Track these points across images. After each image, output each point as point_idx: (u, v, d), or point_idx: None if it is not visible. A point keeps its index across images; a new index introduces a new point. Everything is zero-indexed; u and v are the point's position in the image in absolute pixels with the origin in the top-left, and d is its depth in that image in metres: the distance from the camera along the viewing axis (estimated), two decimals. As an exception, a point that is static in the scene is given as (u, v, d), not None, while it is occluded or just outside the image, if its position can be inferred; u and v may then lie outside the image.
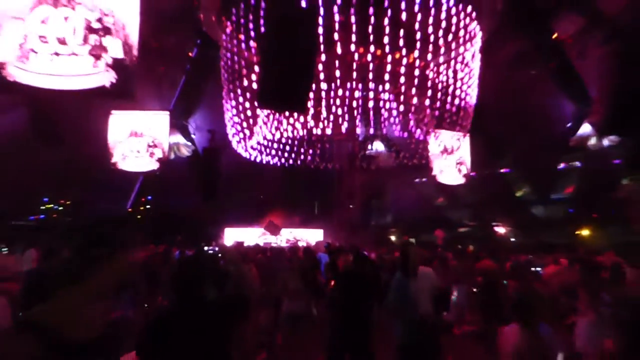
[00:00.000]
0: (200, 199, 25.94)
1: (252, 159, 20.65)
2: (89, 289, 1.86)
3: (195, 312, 3.28)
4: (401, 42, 15.95)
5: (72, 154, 22.21)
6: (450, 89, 17.58)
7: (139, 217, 27.50)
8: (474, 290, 10.43)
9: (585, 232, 24.66)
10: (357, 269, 7.48)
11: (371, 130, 18.91)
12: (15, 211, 25.07)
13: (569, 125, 23.80)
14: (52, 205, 28.05)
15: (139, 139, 21.13)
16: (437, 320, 6.99)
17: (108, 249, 1.93)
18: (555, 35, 21.45)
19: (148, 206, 28.41)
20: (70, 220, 26.92)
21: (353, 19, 15.57)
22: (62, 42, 9.77)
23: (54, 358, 1.79)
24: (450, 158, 22.28)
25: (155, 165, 21.20)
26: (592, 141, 22.90)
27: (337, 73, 16.68)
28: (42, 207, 27.72)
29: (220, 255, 9.28)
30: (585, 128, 23.05)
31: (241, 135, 18.86)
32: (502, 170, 27.13)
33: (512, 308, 4.24)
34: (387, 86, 16.95)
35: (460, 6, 16.72)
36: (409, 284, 6.30)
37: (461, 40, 17.15)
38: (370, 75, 16.74)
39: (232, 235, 26.25)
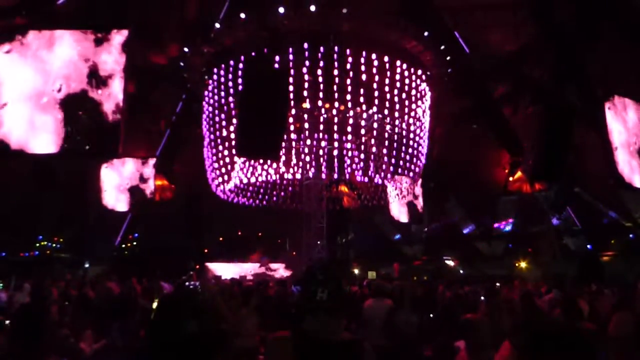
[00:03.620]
0: (184, 236, 25.43)
1: (230, 200, 20.40)
2: None
3: (174, 347, 3.12)
4: (361, 99, 16.29)
5: (66, 195, 21.73)
6: (404, 140, 17.86)
7: (126, 252, 26.76)
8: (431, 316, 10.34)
9: (522, 265, 24.95)
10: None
11: (335, 175, 18.97)
12: (11, 247, 24.15)
13: (506, 171, 24.38)
14: (46, 243, 27.11)
15: (127, 183, 20.79)
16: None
17: None
18: (492, 95, 22.18)
19: (135, 243, 27.69)
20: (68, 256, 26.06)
21: (320, 79, 15.85)
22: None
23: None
24: (404, 200, 22.49)
25: (141, 206, 20.82)
26: (526, 186, 23.45)
27: (306, 125, 16.81)
28: (36, 244, 26.76)
29: (200, 289, 8.97)
30: (520, 174, 23.63)
31: (220, 179, 18.68)
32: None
33: (459, 331, 4.17)
34: (350, 137, 17.14)
35: (412, 69, 17.22)
36: (402, 314, 6.27)
37: (413, 98, 17.58)
38: (335, 127, 16.93)
39: (212, 269, 25.65)
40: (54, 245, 27.12)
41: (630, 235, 22.46)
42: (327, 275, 2.52)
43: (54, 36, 10.39)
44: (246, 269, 23.72)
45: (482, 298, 9.72)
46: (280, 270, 23.38)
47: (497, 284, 13.69)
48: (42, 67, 10.13)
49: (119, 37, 10.54)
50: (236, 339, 7.61)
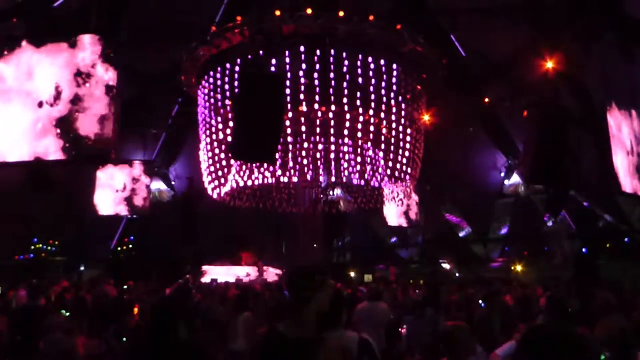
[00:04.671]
0: (180, 239, 25.40)
1: (226, 203, 20.38)
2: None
3: (166, 352, 3.15)
4: (358, 102, 16.32)
5: (62, 199, 21.67)
6: (401, 143, 17.90)
7: (121, 256, 26.68)
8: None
9: (518, 268, 24.99)
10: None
11: (332, 179, 18.98)
12: (5, 251, 24.02)
13: (502, 174, 24.48)
14: (41, 245, 26.98)
15: (124, 187, 20.78)
16: (391, 350, 6.89)
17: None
18: (487, 99, 22.27)
19: (131, 246, 27.61)
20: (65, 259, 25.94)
21: (316, 82, 15.88)
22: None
23: None
24: (400, 203, 22.53)
25: (138, 211, 20.79)
26: (521, 189, 23.57)
27: (303, 128, 16.83)
28: (31, 247, 26.62)
29: (194, 292, 8.97)
30: (516, 177, 23.76)
31: (216, 182, 18.67)
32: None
33: (440, 342, 4.18)
34: (346, 140, 17.15)
35: (408, 72, 17.28)
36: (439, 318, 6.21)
37: (409, 101, 17.63)
38: (332, 130, 16.95)
39: (208, 273, 25.60)
40: (49, 248, 26.99)
41: (626, 239, 22.53)
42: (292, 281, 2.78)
43: (31, 65, 10.35)
44: (242, 272, 23.72)
45: (480, 301, 9.74)
46: (275, 274, 23.39)
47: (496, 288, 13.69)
48: (30, 99, 10.11)
49: (87, 38, 10.50)
50: (230, 342, 7.65)
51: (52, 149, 9.93)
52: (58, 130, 9.87)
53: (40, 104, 10.14)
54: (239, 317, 7.77)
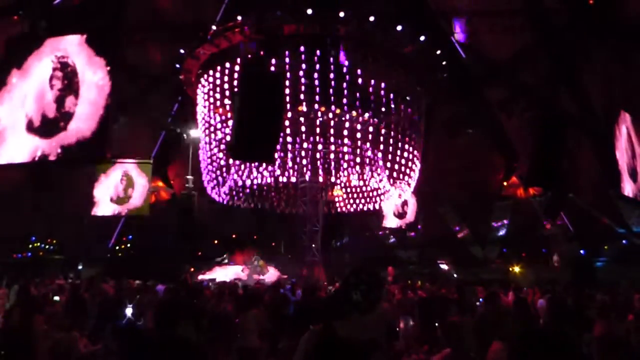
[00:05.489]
0: (178, 238, 25.37)
1: (225, 203, 20.38)
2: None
3: (166, 347, 3.16)
4: (357, 103, 16.35)
5: (61, 198, 21.69)
6: (399, 145, 17.92)
7: (120, 254, 26.67)
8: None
9: (516, 270, 25.01)
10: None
11: (332, 179, 19.00)
12: (3, 249, 24.01)
13: (501, 177, 24.50)
14: (39, 244, 26.97)
15: (123, 186, 20.76)
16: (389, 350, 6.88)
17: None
18: (487, 101, 22.30)
19: (129, 245, 27.59)
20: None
21: (316, 82, 15.90)
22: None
23: None
24: (398, 204, 22.57)
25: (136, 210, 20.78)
26: (520, 191, 23.59)
27: (302, 128, 16.85)
28: (29, 246, 26.61)
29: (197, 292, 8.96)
30: (514, 180, 23.77)
31: (215, 182, 18.68)
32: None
33: (443, 337, 4.23)
34: (346, 140, 17.17)
35: (408, 74, 17.31)
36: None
37: (409, 103, 17.66)
38: (331, 131, 16.96)
39: (207, 272, 25.57)
40: (47, 246, 26.98)
41: (624, 241, 22.58)
42: (361, 279, 2.52)
43: (29, 65, 10.36)
44: (240, 272, 23.66)
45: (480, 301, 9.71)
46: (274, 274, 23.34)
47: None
48: (26, 99, 10.12)
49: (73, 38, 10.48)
50: (242, 340, 7.67)
51: (48, 150, 9.90)
52: (54, 131, 9.84)
53: (36, 104, 10.12)
54: (249, 314, 7.79)
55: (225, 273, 22.20)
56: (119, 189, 20.76)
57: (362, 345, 2.31)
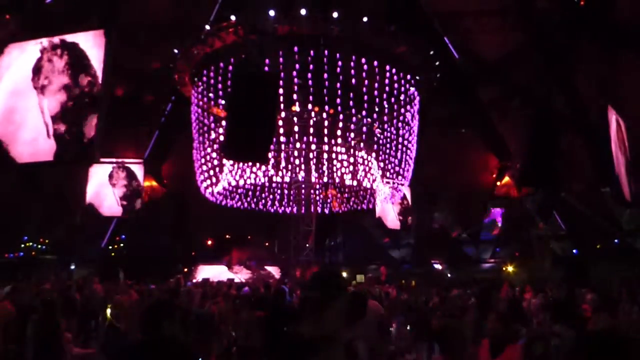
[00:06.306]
0: (171, 238, 25.32)
1: (218, 203, 20.34)
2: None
3: (155, 350, 3.16)
4: (351, 103, 16.36)
5: (53, 197, 21.57)
6: (393, 144, 17.95)
7: (112, 254, 26.53)
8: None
9: (509, 269, 25.13)
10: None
11: (325, 179, 19.00)
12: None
13: (494, 176, 24.59)
14: (31, 244, 26.77)
15: (115, 186, 20.70)
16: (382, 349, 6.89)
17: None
18: (480, 100, 22.39)
19: (122, 245, 27.47)
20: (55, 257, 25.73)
21: (310, 82, 15.90)
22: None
23: None
24: (392, 204, 22.61)
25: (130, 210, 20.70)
26: (513, 191, 23.68)
27: (296, 128, 16.85)
28: (22, 245, 26.42)
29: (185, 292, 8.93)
30: (507, 179, 23.88)
31: (208, 182, 18.63)
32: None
33: (435, 340, 4.25)
34: (339, 140, 17.18)
35: (401, 74, 17.32)
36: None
37: (402, 103, 17.68)
38: (325, 131, 16.97)
39: (200, 272, 25.51)
40: (40, 246, 26.80)
41: (615, 240, 22.73)
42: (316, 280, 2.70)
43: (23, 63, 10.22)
44: (235, 273, 23.64)
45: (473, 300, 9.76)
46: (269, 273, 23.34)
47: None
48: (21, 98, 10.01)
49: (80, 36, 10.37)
50: (242, 340, 7.68)
51: (39, 151, 9.79)
52: (44, 131, 9.73)
53: (29, 104, 10.01)
54: (250, 315, 7.80)
55: (218, 272, 22.22)
56: (112, 188, 20.70)
57: (317, 339, 2.46)
